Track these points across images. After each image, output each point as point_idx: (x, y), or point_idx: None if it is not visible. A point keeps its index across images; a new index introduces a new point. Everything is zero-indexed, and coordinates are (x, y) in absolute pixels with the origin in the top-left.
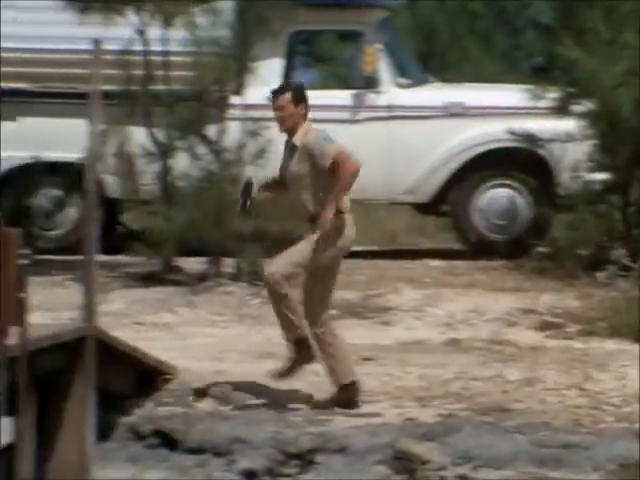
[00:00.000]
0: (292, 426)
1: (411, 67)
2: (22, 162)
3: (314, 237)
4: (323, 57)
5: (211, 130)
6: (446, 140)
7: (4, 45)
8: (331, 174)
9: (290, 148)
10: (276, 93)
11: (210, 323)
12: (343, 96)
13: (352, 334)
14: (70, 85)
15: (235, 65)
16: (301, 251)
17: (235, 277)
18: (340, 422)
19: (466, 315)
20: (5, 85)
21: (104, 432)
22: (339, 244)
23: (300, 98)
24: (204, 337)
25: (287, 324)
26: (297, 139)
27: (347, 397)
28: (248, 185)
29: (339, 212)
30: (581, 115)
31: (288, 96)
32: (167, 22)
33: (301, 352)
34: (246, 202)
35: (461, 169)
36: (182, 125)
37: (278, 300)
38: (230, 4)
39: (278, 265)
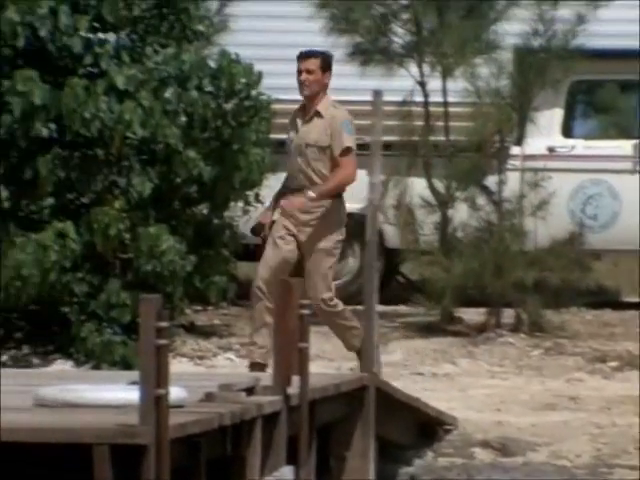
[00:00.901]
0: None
1: None
2: None
3: (332, 246)
4: (603, 107)
5: (491, 181)
6: None
7: (283, 97)
8: (330, 162)
9: (312, 115)
10: (306, 55)
11: (490, 374)
12: (625, 146)
13: (633, 385)
14: None
15: (515, 115)
16: (331, 266)
17: (515, 328)
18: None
19: None
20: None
21: None
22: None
23: (328, 66)
24: (484, 388)
25: (349, 334)
26: (322, 108)
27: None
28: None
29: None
30: None
31: (317, 61)
32: (447, 73)
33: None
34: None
35: None
36: (462, 176)
37: (335, 319)
38: (510, 54)
39: (323, 292)
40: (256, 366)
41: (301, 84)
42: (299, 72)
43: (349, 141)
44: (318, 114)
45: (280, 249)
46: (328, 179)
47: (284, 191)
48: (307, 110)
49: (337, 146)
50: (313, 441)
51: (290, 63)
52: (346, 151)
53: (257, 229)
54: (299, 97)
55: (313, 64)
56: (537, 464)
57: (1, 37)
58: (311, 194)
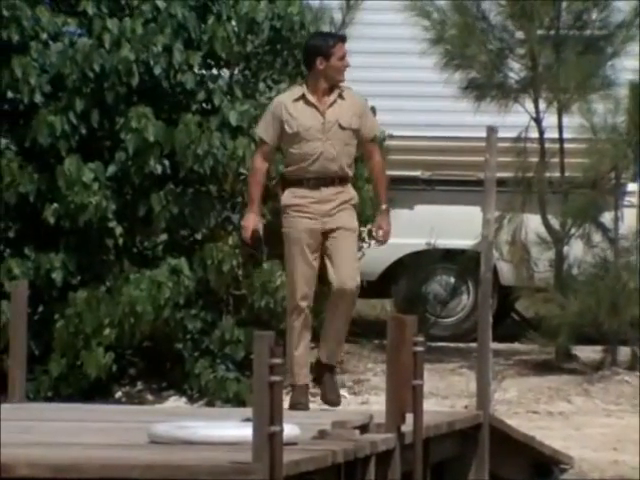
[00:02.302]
0: None
1: None
2: (417, 249)
3: (352, 235)
4: None
5: (606, 217)
6: None
7: (396, 133)
8: (362, 148)
9: (335, 97)
10: (345, 38)
11: (606, 413)
12: None
13: None
14: (465, 172)
15: (631, 152)
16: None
17: (631, 366)
18: None
19: None
20: (401, 173)
21: None
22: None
23: None
24: (600, 427)
25: (344, 338)
26: (348, 92)
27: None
28: (258, 238)
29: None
30: None
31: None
32: (563, 109)
33: None
34: (258, 251)
35: None
36: (577, 212)
37: (351, 312)
38: (626, 91)
39: (356, 277)
40: (302, 389)
41: (342, 71)
42: (343, 57)
43: (376, 124)
44: (341, 96)
45: (313, 268)
46: (379, 179)
47: (296, 183)
48: (321, 94)
49: (370, 129)
50: (428, 479)
51: (404, 99)
52: (375, 137)
53: (253, 238)
54: (413, 133)
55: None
56: None
57: (116, 75)
58: (385, 207)
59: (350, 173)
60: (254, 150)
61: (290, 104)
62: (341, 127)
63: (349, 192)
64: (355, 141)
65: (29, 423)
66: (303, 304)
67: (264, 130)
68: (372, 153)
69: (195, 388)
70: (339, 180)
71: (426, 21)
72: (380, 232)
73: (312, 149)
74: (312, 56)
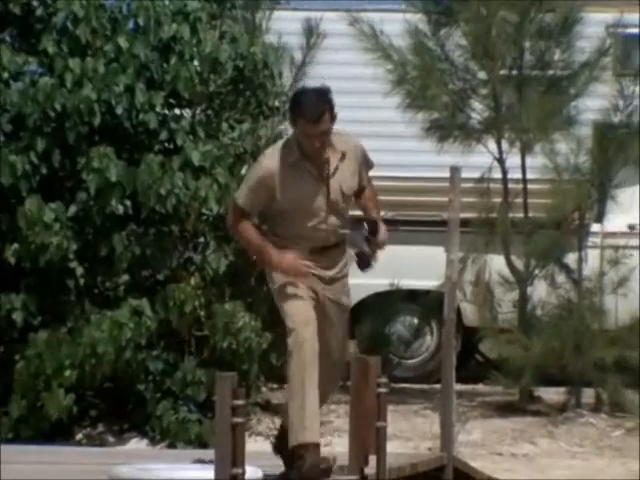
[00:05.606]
0: None
1: None
2: (380, 289)
3: None
4: None
5: (570, 258)
6: None
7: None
8: (362, 191)
9: (337, 161)
10: (319, 116)
11: (570, 455)
12: None
13: None
14: (428, 213)
15: (595, 192)
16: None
17: (596, 408)
18: None
19: None
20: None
21: None
22: None
23: (334, 105)
24: (564, 469)
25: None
26: (340, 145)
27: None
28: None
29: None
30: None
31: (328, 114)
32: (527, 149)
33: None
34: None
35: None
36: (540, 253)
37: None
38: (589, 130)
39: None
40: (316, 449)
41: (320, 149)
42: (310, 137)
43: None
44: (344, 155)
45: (310, 308)
46: (370, 207)
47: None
48: (317, 160)
49: (366, 175)
50: None
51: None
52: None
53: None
54: (377, 173)
55: (326, 121)
56: None
57: (78, 114)
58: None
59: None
60: (228, 213)
61: (288, 168)
62: (346, 195)
63: (344, 256)
64: (352, 201)
65: None
66: (306, 332)
67: (246, 197)
68: (371, 186)
69: (157, 430)
70: (336, 247)
71: (388, 63)
72: (382, 240)
73: (302, 224)
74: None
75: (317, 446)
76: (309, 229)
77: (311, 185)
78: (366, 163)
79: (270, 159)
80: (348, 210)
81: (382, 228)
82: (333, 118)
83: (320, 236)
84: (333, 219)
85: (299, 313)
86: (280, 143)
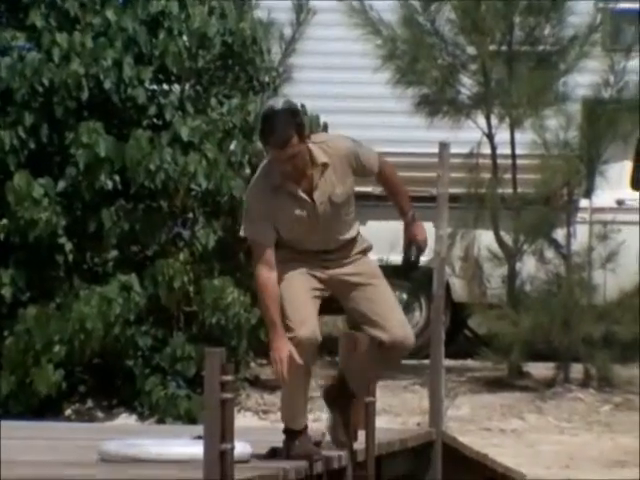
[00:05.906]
0: None
1: None
2: None
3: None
4: None
5: (559, 233)
6: None
7: None
8: (378, 179)
9: (319, 174)
10: (282, 143)
11: (559, 430)
12: None
13: None
14: (417, 188)
15: (584, 168)
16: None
17: (584, 383)
18: None
19: None
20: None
21: None
22: None
23: (302, 125)
24: (552, 444)
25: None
26: (320, 157)
27: None
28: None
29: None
30: None
31: (295, 138)
32: (516, 125)
33: None
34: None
35: None
36: (529, 228)
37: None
38: (579, 106)
39: (406, 328)
40: (306, 434)
41: (294, 171)
42: (281, 161)
43: (372, 151)
44: (325, 165)
45: (309, 304)
46: (398, 192)
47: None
48: (298, 178)
49: (373, 165)
50: None
51: (356, 115)
52: (379, 158)
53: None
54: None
55: (294, 145)
56: None
57: (66, 89)
58: (412, 214)
59: (354, 233)
60: (253, 259)
61: (279, 188)
62: (339, 205)
63: (357, 246)
64: (353, 206)
65: None
66: (302, 332)
67: (256, 232)
68: (382, 173)
69: (146, 405)
70: (342, 246)
71: (378, 39)
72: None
73: (306, 236)
74: None
75: (305, 431)
76: (312, 242)
77: (296, 206)
78: (359, 158)
79: (258, 189)
80: (350, 210)
81: (419, 227)
82: (303, 139)
83: (326, 243)
84: (333, 227)
85: (295, 312)
86: (261, 169)
